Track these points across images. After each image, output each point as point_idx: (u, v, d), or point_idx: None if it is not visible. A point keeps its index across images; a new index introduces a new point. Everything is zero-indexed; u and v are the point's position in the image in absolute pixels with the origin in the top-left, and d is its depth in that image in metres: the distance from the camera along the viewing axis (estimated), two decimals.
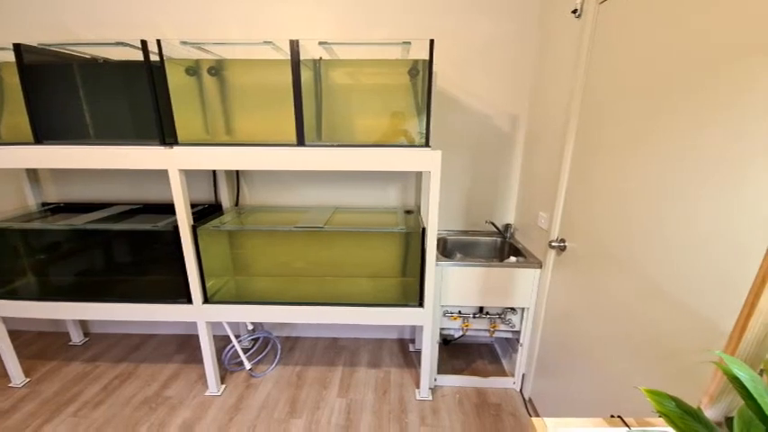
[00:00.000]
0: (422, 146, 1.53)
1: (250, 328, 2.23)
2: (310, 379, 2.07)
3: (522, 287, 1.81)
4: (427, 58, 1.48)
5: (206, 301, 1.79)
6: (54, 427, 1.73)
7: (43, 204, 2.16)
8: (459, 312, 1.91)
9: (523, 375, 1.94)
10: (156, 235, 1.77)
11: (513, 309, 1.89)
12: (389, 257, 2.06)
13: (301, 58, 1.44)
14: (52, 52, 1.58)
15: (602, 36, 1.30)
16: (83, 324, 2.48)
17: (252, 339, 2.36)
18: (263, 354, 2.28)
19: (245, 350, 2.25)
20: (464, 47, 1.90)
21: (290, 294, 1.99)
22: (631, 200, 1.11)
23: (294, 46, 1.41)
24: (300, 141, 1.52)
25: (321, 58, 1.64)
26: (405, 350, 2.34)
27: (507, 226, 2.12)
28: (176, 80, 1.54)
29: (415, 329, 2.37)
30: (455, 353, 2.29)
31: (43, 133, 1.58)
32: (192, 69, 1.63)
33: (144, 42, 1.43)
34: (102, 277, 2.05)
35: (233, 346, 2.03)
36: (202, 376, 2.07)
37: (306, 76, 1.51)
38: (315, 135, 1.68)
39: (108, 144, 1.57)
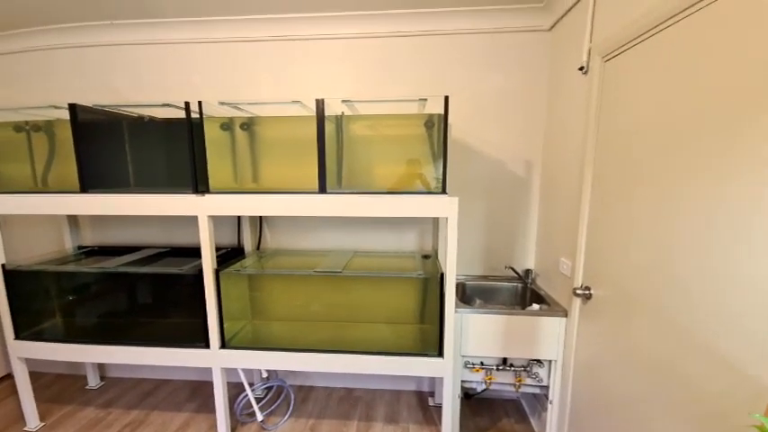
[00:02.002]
0: (439, 192, 1.58)
1: (264, 375, 2.18)
2: None
3: (548, 337, 1.72)
4: (442, 112, 1.57)
5: (223, 345, 1.78)
6: None
7: (79, 248, 2.29)
8: (482, 364, 1.81)
9: None
10: (180, 278, 1.82)
11: (539, 361, 1.79)
12: (407, 303, 2.03)
13: (325, 114, 1.57)
14: (104, 111, 1.78)
15: (610, 90, 1.37)
16: (100, 367, 2.49)
17: (265, 388, 2.29)
18: (276, 404, 2.19)
19: (258, 399, 2.18)
20: (477, 98, 2.01)
21: (306, 340, 1.97)
22: (662, 247, 1.08)
23: (320, 104, 1.54)
24: (322, 189, 1.60)
25: (343, 113, 1.77)
26: (424, 404, 2.20)
27: (528, 271, 2.07)
28: (212, 135, 1.68)
29: (435, 381, 2.25)
30: (478, 409, 2.14)
31: (89, 182, 1.73)
32: (227, 125, 1.79)
33: (187, 104, 1.60)
34: (124, 319, 2.10)
35: (246, 395, 1.97)
36: (213, 426, 2.00)
37: (328, 128, 1.63)
38: (336, 182, 1.76)
39: (146, 192, 1.69)
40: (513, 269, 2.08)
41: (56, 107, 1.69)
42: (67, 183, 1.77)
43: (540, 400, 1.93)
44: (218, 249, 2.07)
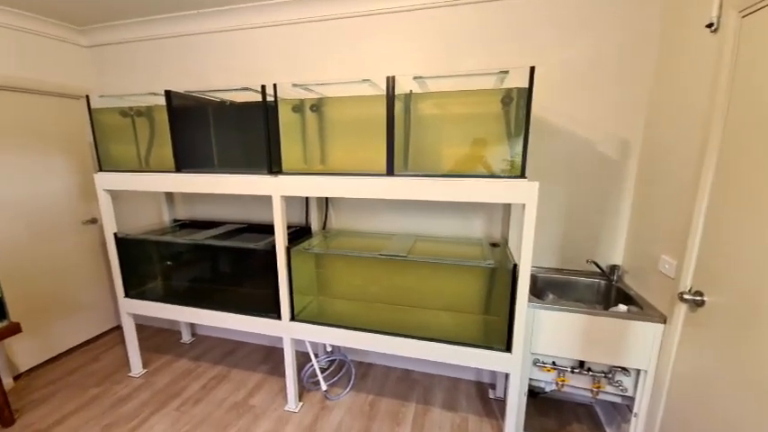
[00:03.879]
0: (516, 176, 1.43)
1: (329, 349, 2.29)
2: (383, 411, 2.01)
3: (638, 344, 1.52)
4: (523, 85, 1.41)
5: (293, 318, 1.89)
6: (160, 418, 1.96)
7: (174, 221, 2.58)
8: (554, 364, 1.67)
9: None
10: (256, 253, 1.95)
11: (624, 369, 1.59)
12: (472, 292, 1.94)
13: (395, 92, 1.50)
14: (192, 97, 1.93)
15: (748, 53, 1.08)
16: (192, 325, 2.84)
17: (329, 360, 2.41)
18: (338, 376, 2.30)
19: (322, 370, 2.30)
20: (561, 67, 1.77)
21: (369, 320, 2.00)
22: None
23: (390, 82, 1.48)
24: (390, 171, 1.56)
25: (411, 91, 1.68)
26: (483, 395, 2.13)
27: (614, 267, 1.84)
28: (284, 117, 1.73)
29: (496, 374, 2.15)
30: (545, 409, 2.00)
31: (182, 162, 1.91)
32: (297, 107, 1.82)
33: (263, 87, 1.66)
34: (209, 285, 2.34)
35: (312, 365, 2.09)
36: (283, 389, 2.17)
37: (396, 108, 1.56)
38: (402, 164, 1.70)
39: (227, 172, 1.82)
40: (596, 264, 1.85)
41: (154, 94, 1.87)
42: (164, 162, 1.98)
43: (621, 410, 1.74)
44: (287, 227, 2.18)
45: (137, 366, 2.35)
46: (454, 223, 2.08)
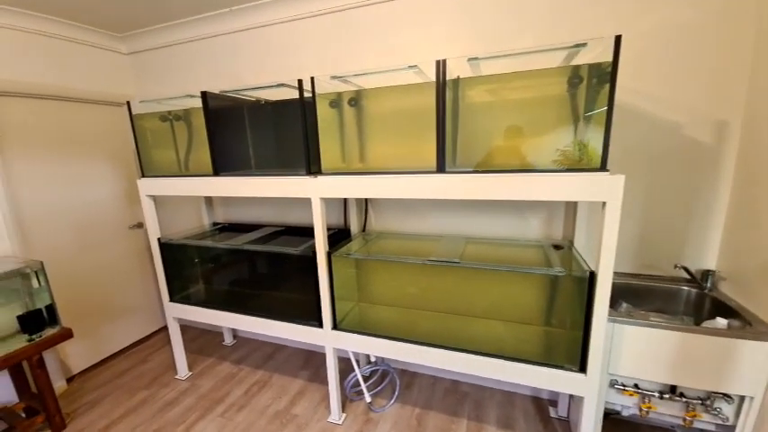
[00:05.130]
0: (595, 169, 1.21)
1: (372, 359, 2.17)
2: (431, 427, 1.86)
3: (744, 366, 1.26)
4: (599, 60, 1.19)
5: (335, 326, 1.79)
6: (205, 425, 1.94)
7: (214, 224, 2.58)
8: (636, 387, 1.44)
9: None
10: (295, 258, 1.87)
11: (726, 395, 1.33)
12: (532, 300, 1.74)
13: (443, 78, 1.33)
14: (229, 97, 1.86)
15: None
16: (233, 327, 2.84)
17: (371, 369, 2.29)
18: (382, 386, 2.18)
19: (365, 379, 2.19)
20: (640, 38, 1.51)
21: (415, 330, 1.85)
22: None
23: (440, 66, 1.31)
24: (441, 167, 1.39)
25: (459, 76, 1.50)
26: (543, 414, 1.92)
27: (707, 273, 1.56)
28: (322, 113, 1.61)
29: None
30: None
31: (220, 166, 1.85)
32: (335, 102, 1.69)
33: (300, 81, 1.55)
34: (250, 290, 2.30)
35: (355, 374, 1.98)
36: (325, 398, 2.08)
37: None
38: (450, 160, 1.53)
39: (265, 175, 1.73)
40: (686, 269, 1.58)
41: (191, 96, 1.83)
42: (202, 166, 1.94)
43: None
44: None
45: (183, 369, 2.37)
46: (508, 223, 1.87)
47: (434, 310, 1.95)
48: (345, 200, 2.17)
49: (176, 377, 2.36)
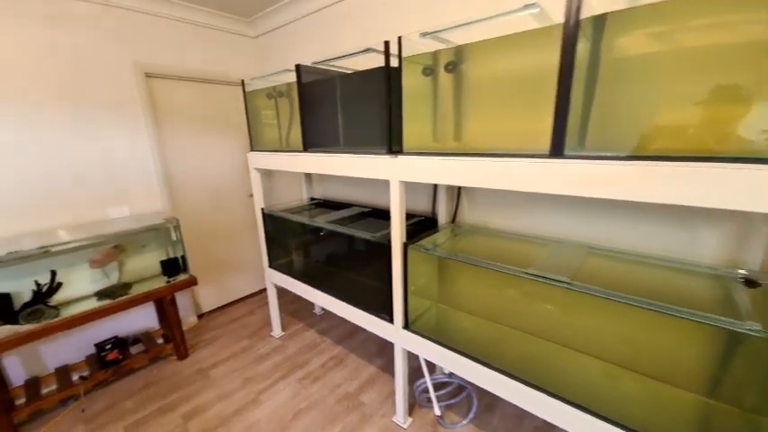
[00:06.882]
0: None
1: (447, 371, 1.92)
2: None
3: None
4: None
5: (406, 326, 1.61)
6: (284, 386, 2.07)
7: (311, 199, 2.68)
8: None
9: None
10: (371, 243, 1.74)
11: None
12: (691, 356, 1.18)
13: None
14: (320, 70, 1.79)
15: None
16: None
17: (444, 380, 2.05)
18: (456, 400, 1.92)
19: (437, 386, 1.97)
20: None
21: (500, 352, 1.52)
22: None
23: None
24: (557, 150, 1.00)
25: (606, 13, 1.02)
26: None
27: None
28: (411, 81, 1.37)
29: None
30: None
31: (309, 141, 1.83)
32: (429, 69, 1.42)
33: (386, 43, 1.33)
34: (329, 268, 2.32)
35: (425, 381, 1.78)
36: (393, 393, 1.96)
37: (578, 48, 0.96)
38: (576, 141, 1.09)
39: (348, 152, 1.62)
40: None
41: (289, 70, 1.83)
42: (298, 142, 1.96)
43: None
44: (409, 216, 1.87)
45: (277, 328, 2.60)
46: (662, 233, 1.30)
47: (530, 333, 1.56)
48: (435, 184, 1.91)
49: (271, 334, 2.61)
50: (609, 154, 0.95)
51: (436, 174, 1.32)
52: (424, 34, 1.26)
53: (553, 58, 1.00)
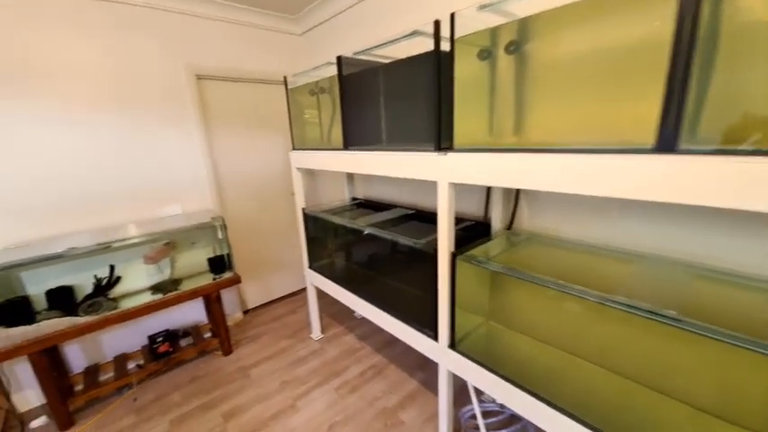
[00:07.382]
0: None
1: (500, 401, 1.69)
2: None
3: None
4: None
5: (452, 345, 1.42)
6: (321, 394, 1.99)
7: (353, 199, 2.58)
8: None
9: None
10: (415, 250, 1.57)
11: None
12: None
13: None
14: (361, 61, 1.66)
15: None
16: None
17: (495, 409, 1.82)
18: (509, 431, 1.69)
19: (486, 414, 1.75)
20: None
21: (564, 385, 1.27)
22: None
23: None
24: (667, 144, 0.75)
25: None
26: None
27: None
28: (465, 66, 1.17)
29: None
30: None
31: (349, 139, 1.71)
32: (486, 52, 1.21)
33: (436, 23, 1.15)
34: (370, 273, 2.19)
35: (473, 408, 1.58)
36: (436, 415, 1.78)
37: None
38: (688, 131, 0.83)
39: (391, 149, 1.47)
40: None
41: (330, 63, 1.72)
42: (339, 140, 1.86)
43: None
44: (458, 221, 1.66)
45: (316, 330, 2.54)
46: None
47: (601, 365, 1.28)
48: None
49: (310, 336, 2.56)
50: (747, 148, 0.69)
51: (494, 175, 1.11)
52: (482, 7, 1.06)
53: (661, 24, 0.75)
